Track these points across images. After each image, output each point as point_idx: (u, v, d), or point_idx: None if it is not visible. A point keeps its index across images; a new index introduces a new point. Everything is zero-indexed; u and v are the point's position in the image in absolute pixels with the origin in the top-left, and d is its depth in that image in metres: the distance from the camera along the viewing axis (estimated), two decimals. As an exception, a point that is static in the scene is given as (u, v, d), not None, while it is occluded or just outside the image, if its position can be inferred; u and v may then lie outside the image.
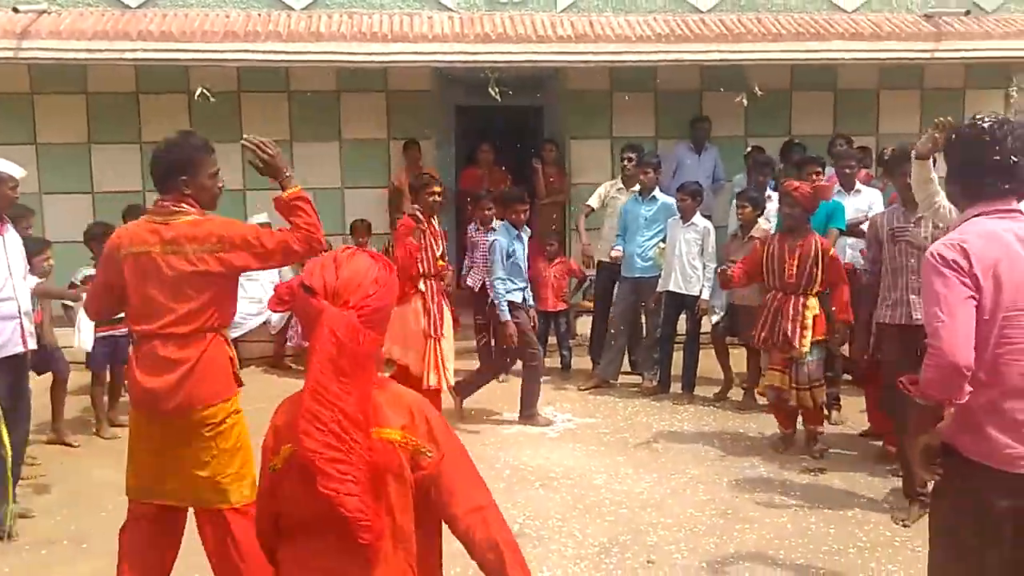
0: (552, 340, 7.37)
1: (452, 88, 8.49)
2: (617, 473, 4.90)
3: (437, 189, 5.75)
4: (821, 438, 5.19)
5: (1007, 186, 2.26)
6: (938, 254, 2.19)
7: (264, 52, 7.20)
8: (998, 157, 2.25)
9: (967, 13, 8.01)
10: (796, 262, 5.09)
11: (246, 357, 7.57)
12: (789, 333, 4.98)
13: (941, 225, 3.94)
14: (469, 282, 7.28)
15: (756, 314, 5.39)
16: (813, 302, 5.06)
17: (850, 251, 6.17)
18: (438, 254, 5.61)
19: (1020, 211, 2.27)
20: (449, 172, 8.74)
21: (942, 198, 3.65)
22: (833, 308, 5.18)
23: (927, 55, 7.82)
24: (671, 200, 6.63)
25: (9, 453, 4.02)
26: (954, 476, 2.23)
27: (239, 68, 7.66)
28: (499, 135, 8.89)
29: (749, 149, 7.98)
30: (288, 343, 7.55)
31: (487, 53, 7.38)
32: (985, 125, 2.29)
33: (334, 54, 7.28)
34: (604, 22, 7.67)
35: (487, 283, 6.30)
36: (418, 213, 5.49)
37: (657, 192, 6.77)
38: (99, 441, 5.61)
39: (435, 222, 5.66)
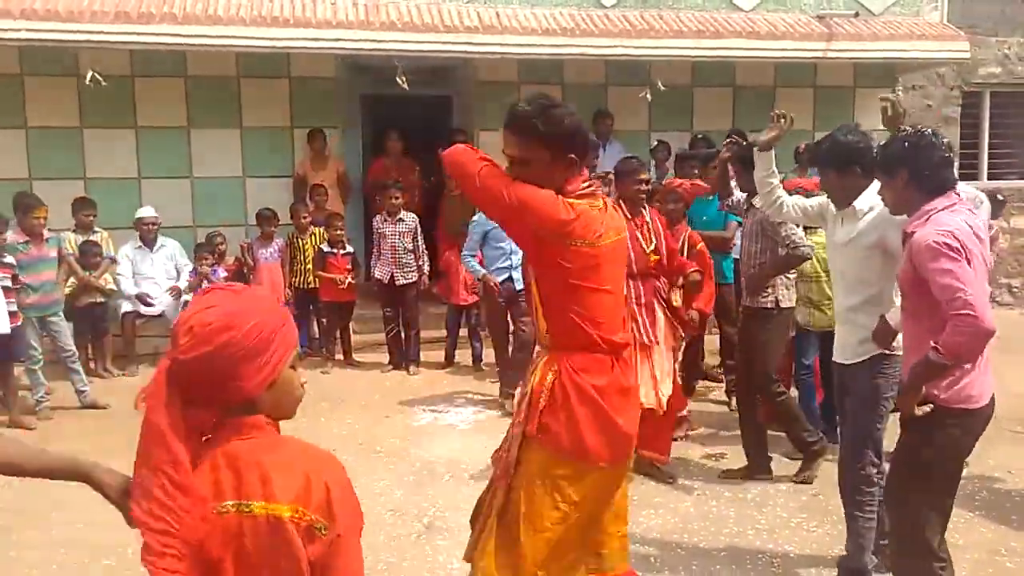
0: (463, 332, 7.37)
1: (358, 76, 8.37)
2: (526, 463, 4.93)
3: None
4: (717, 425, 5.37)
5: (951, 177, 2.74)
6: (942, 242, 2.53)
7: (158, 35, 6.91)
8: (943, 154, 2.72)
9: (856, 15, 8.40)
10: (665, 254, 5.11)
11: (147, 353, 7.32)
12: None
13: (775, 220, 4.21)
14: (377, 274, 7.20)
15: None
16: (677, 294, 5.03)
17: None
18: (649, 249, 4.71)
19: (960, 199, 2.74)
20: (356, 162, 8.62)
21: (783, 193, 3.86)
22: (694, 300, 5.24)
23: (819, 55, 8.17)
24: None
25: None
26: (935, 422, 2.64)
27: (132, 51, 7.34)
28: (409, 125, 8.81)
29: (655, 144, 8.18)
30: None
31: (393, 41, 7.30)
32: (927, 132, 2.78)
33: (233, 38, 7.06)
34: (511, 14, 7.69)
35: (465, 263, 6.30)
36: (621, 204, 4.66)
37: None
38: None
39: (645, 214, 4.80)
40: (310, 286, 7.46)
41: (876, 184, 3.07)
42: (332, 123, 8.16)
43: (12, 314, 5.71)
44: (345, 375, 7.13)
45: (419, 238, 7.24)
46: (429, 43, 7.36)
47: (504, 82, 8.39)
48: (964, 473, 4.70)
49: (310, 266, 7.45)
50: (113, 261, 7.08)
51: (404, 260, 7.13)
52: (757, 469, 4.63)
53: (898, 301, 3.11)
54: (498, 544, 2.47)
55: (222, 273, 7.34)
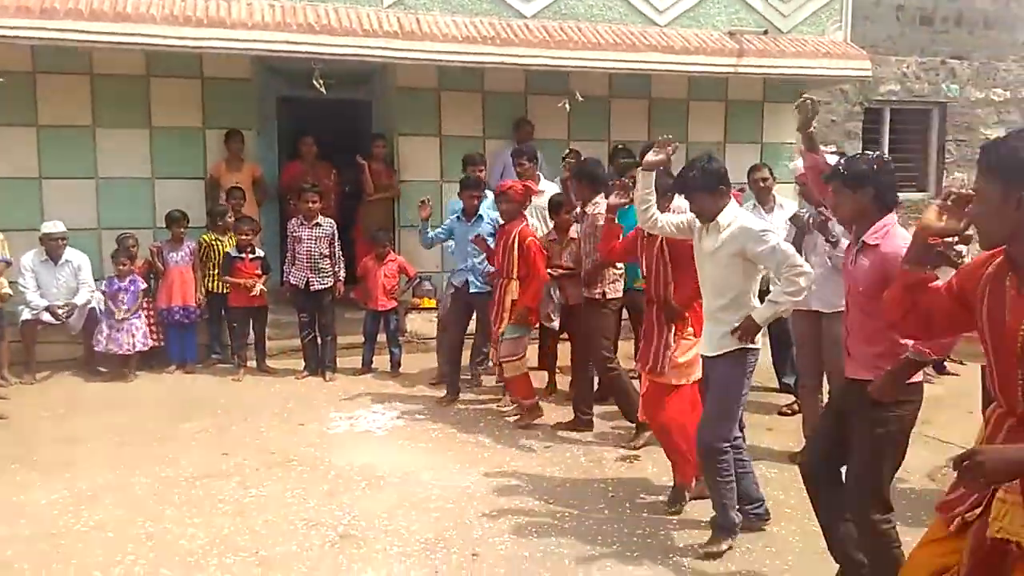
0: (382, 338, 7.30)
1: (274, 78, 8.22)
2: (444, 469, 4.92)
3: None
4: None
5: (898, 197, 3.27)
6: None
7: (62, 31, 6.63)
8: (894, 174, 3.23)
9: (765, 32, 8.70)
10: (501, 250, 5.80)
11: (50, 360, 7.02)
12: (493, 315, 5.84)
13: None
14: (292, 279, 7.08)
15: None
16: (513, 286, 5.72)
17: None
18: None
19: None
20: (272, 165, 8.46)
21: (656, 210, 4.24)
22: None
23: (730, 69, 8.43)
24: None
25: None
26: (908, 398, 3.09)
27: (34, 47, 7.02)
28: (327, 130, 8.71)
29: (567, 152, 8.27)
30: (96, 347, 7.00)
31: (310, 44, 7.19)
32: (885, 156, 3.32)
33: (142, 36, 6.83)
34: (431, 20, 7.68)
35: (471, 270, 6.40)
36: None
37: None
38: None
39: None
40: (223, 290, 7.27)
41: (733, 202, 3.81)
42: (247, 125, 7.98)
43: None
44: (257, 382, 6.97)
45: (336, 244, 7.15)
46: (347, 47, 7.28)
47: (424, 88, 8.38)
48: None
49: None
50: (8, 264, 6.74)
51: (320, 265, 7.02)
52: (581, 424, 5.66)
53: (754, 301, 3.76)
54: None
55: (141, 284, 7.10)
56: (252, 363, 7.25)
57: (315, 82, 7.32)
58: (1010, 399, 2.20)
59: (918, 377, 3.10)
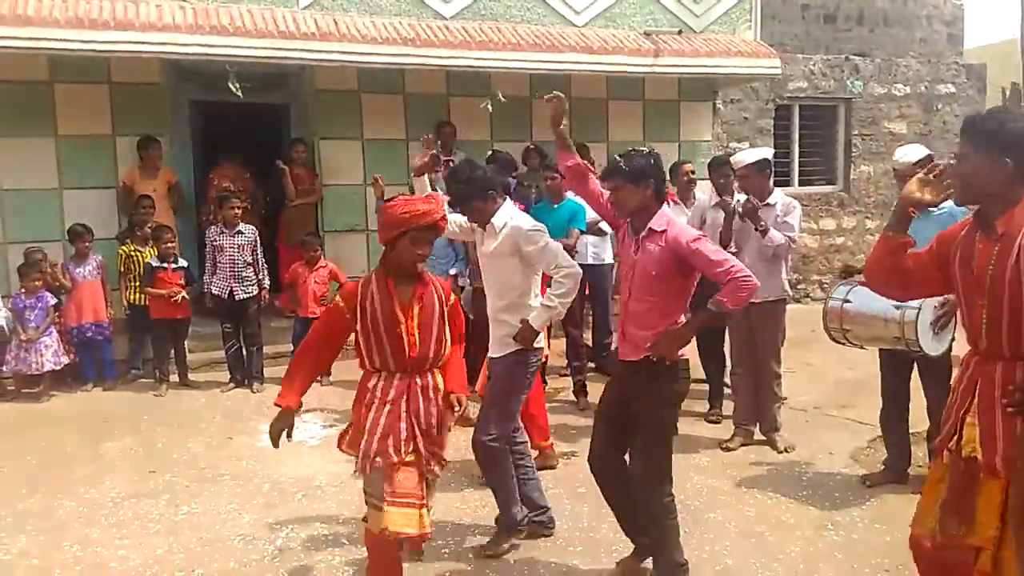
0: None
1: (186, 82, 7.96)
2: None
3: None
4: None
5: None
6: (700, 235, 3.39)
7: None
8: (663, 168, 3.57)
9: (679, 33, 8.91)
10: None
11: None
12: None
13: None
14: (214, 289, 6.88)
15: None
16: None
17: (592, 249, 6.63)
18: None
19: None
20: (187, 172, 8.20)
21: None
22: None
23: (647, 69, 8.59)
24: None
25: None
26: (674, 376, 3.40)
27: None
28: (244, 135, 8.49)
29: (490, 153, 8.29)
30: (4, 366, 6.66)
31: (224, 47, 7.00)
32: (656, 152, 3.50)
33: (45, 40, 6.52)
34: (349, 22, 7.58)
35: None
36: None
37: None
38: None
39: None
40: (146, 303, 7.00)
41: (508, 203, 3.92)
42: (159, 131, 7.71)
43: None
44: (181, 396, 6.75)
45: (259, 251, 6.98)
46: (263, 49, 7.11)
47: (344, 91, 8.26)
48: (793, 457, 5.11)
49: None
50: None
51: (243, 274, 6.85)
52: None
53: (534, 302, 3.84)
54: None
55: (50, 300, 6.77)
56: (174, 377, 7.02)
57: (230, 85, 7.13)
58: (976, 335, 2.55)
59: (686, 354, 3.37)
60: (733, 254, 5.40)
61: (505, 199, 3.95)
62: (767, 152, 5.48)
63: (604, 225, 6.84)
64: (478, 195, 3.85)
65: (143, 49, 6.83)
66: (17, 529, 4.18)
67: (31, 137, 7.36)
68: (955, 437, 2.59)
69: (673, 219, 3.40)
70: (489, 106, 8.07)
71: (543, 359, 4.14)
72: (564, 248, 6.08)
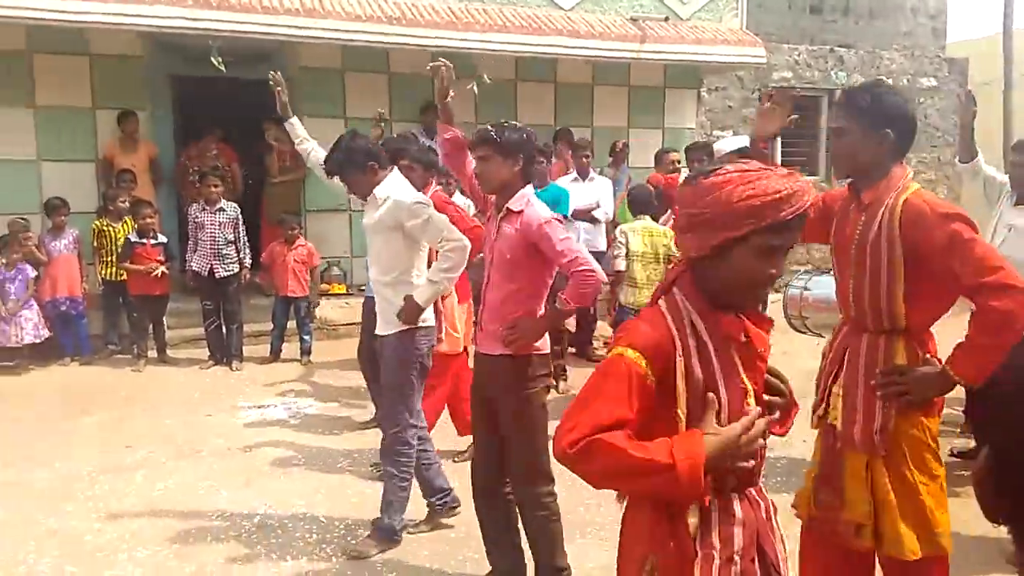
0: (292, 326, 7.14)
1: (167, 56, 7.86)
2: (361, 455, 4.88)
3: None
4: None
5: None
6: (555, 218, 3.16)
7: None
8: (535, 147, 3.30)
9: (666, 19, 8.91)
10: None
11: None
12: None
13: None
14: (195, 266, 6.84)
15: None
16: None
17: (584, 235, 6.66)
18: None
19: None
20: (167, 146, 8.11)
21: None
22: None
23: (633, 55, 8.59)
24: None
25: None
26: (534, 370, 3.18)
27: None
28: (227, 110, 8.39)
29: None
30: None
31: (207, 20, 6.92)
32: (531, 129, 3.22)
33: (19, 9, 6.43)
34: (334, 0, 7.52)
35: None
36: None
37: None
38: None
39: None
40: (121, 278, 6.95)
41: (395, 174, 3.73)
42: (139, 104, 7.64)
43: None
44: (159, 373, 6.71)
45: (240, 228, 6.94)
46: (246, 23, 7.04)
47: (327, 69, 8.21)
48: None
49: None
50: None
51: (224, 251, 6.80)
52: None
53: (418, 280, 3.60)
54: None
55: (31, 273, 6.70)
56: (152, 354, 6.98)
57: (212, 60, 7.06)
58: (846, 305, 2.58)
59: (544, 348, 3.16)
60: None
61: (391, 171, 3.72)
62: (745, 141, 5.53)
63: (598, 213, 6.87)
64: (356, 166, 3.65)
65: (122, 21, 6.74)
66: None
67: (8, 107, 7.25)
68: (824, 405, 2.62)
69: (534, 200, 3.13)
70: (475, 88, 8.04)
71: (436, 340, 3.87)
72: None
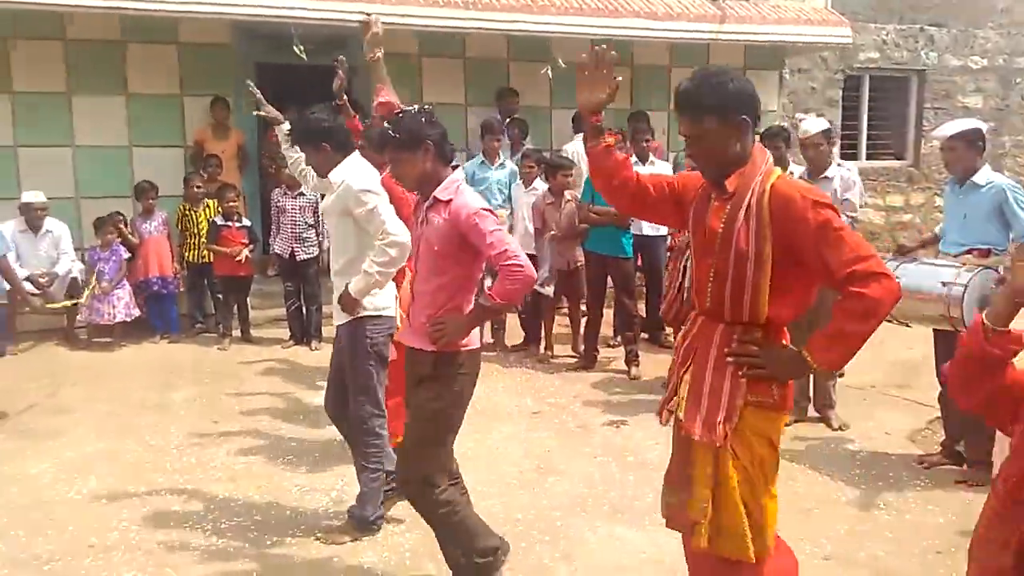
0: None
1: (253, 44, 8.07)
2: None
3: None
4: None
5: (453, 146, 3.18)
6: (485, 208, 2.95)
7: (34, -6, 6.49)
8: (442, 125, 3.04)
9: (747, -2, 8.70)
10: None
11: (31, 330, 6.95)
12: None
13: None
14: (276, 249, 7.04)
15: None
16: None
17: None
18: None
19: None
20: (252, 132, 8.35)
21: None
22: None
23: (712, 36, 8.42)
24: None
25: None
26: (454, 369, 3.00)
27: (3, 11, 6.85)
28: (306, 96, 8.55)
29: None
30: (79, 316, 6.95)
31: (288, 8, 7.09)
32: (429, 107, 3.05)
33: (118, 1, 6.69)
34: (412, -16, 7.58)
35: None
36: None
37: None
38: None
39: None
40: (204, 260, 7.22)
41: (354, 156, 3.60)
42: (225, 91, 7.86)
43: None
44: (243, 351, 6.95)
45: (320, 213, 7.10)
46: (325, 11, 7.19)
47: (403, 54, 8.27)
48: (847, 435, 5.04)
49: (204, 239, 7.21)
50: None
51: (304, 235, 6.99)
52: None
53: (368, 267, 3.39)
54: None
55: (124, 255, 7.04)
56: (236, 332, 7.23)
57: (294, 48, 7.21)
58: (702, 295, 2.46)
59: (473, 343, 3.00)
60: None
61: (348, 154, 3.61)
62: (824, 123, 5.37)
63: None
64: (309, 142, 3.62)
65: (210, 11, 6.95)
66: (87, 472, 4.40)
67: (104, 95, 7.58)
68: (674, 397, 2.51)
69: (464, 188, 2.98)
70: (549, 72, 8.02)
71: (395, 328, 3.69)
72: (618, 218, 6.13)
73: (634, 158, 6.80)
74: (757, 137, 2.64)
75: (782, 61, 9.69)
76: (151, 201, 7.24)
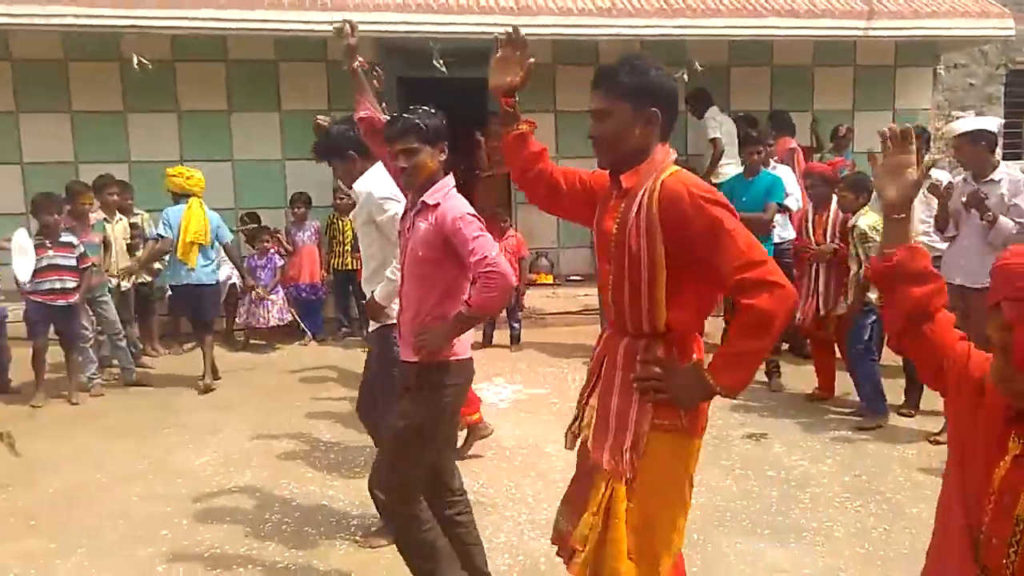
0: (501, 314, 7.42)
1: (394, 60, 8.39)
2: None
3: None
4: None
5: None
6: (472, 213, 2.84)
7: (199, 19, 7.01)
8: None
9: (897, -8, 8.27)
10: None
11: (188, 332, 7.46)
12: None
13: None
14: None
15: None
16: None
17: (776, 227, 6.37)
18: None
19: None
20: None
21: None
22: None
23: (859, 33, 8.06)
24: None
25: None
26: (444, 376, 2.88)
27: (173, 36, 7.44)
28: (445, 108, 8.81)
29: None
30: (238, 319, 7.44)
31: (429, 24, 7.33)
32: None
33: (269, 21, 7.16)
34: (547, -5, 7.68)
35: None
36: None
37: None
38: (40, 413, 5.66)
39: None
40: (348, 268, 7.56)
41: (377, 166, 3.51)
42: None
43: (69, 291, 5.86)
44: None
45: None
46: (464, 25, 7.38)
47: (539, 64, 8.35)
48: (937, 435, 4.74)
49: (348, 248, 7.54)
50: (156, 239, 7.12)
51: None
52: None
53: (393, 275, 3.39)
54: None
55: (278, 262, 7.50)
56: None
57: (435, 62, 7.45)
58: (606, 305, 2.28)
59: (463, 353, 2.88)
60: (951, 237, 5.00)
61: (374, 163, 3.55)
62: (990, 123, 5.00)
63: (790, 201, 6.54)
64: (337, 154, 3.74)
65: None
66: (244, 465, 4.69)
67: (259, 112, 8.08)
68: (579, 421, 2.35)
69: (452, 192, 2.86)
70: (685, 76, 7.91)
71: None
72: (760, 224, 5.94)
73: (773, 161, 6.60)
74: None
75: (936, 57, 9.15)
76: (303, 211, 7.66)
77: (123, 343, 6.38)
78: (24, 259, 5.70)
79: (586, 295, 7.84)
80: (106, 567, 3.57)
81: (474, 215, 2.82)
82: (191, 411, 5.71)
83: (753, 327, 2.07)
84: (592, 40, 7.91)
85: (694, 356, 2.23)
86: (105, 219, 6.62)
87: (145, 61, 7.21)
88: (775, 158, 6.87)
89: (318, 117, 4.46)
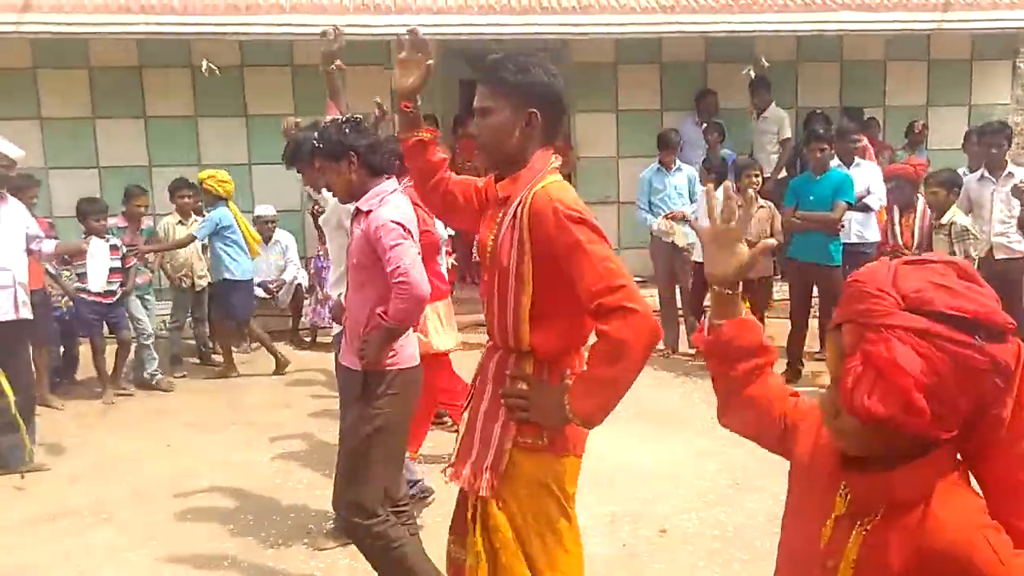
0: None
1: (455, 62, 8.45)
2: (623, 445, 4.92)
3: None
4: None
5: (390, 162, 3.13)
6: (397, 221, 2.81)
7: (267, 25, 7.17)
8: (374, 135, 3.05)
9: (975, -18, 7.96)
10: None
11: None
12: None
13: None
14: (476, 256, 7.31)
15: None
16: None
17: (856, 226, 6.18)
18: None
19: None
20: (453, 146, 8.73)
21: None
22: None
23: (934, 25, 7.78)
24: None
25: (12, 399, 4.29)
26: (398, 385, 2.91)
27: (241, 42, 7.61)
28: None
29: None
30: (303, 319, 7.59)
31: (492, 25, 7.34)
32: (357, 117, 3.04)
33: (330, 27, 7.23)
34: (609, -7, 7.62)
35: None
36: None
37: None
38: (111, 409, 5.87)
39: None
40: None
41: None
42: (432, 110, 8.26)
43: (113, 293, 6.06)
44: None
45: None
46: (527, 25, 7.38)
47: (600, 63, 8.33)
48: None
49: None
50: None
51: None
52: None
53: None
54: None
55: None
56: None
57: (496, 63, 7.46)
58: (487, 317, 2.18)
59: (408, 363, 2.88)
60: None
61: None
62: None
63: (871, 200, 6.35)
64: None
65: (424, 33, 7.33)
66: (305, 463, 4.79)
67: (322, 115, 8.18)
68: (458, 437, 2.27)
69: (390, 199, 2.87)
70: (751, 72, 7.76)
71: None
72: (828, 223, 5.78)
73: (836, 159, 6.41)
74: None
75: (1016, 50, 8.77)
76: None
77: (149, 341, 6.39)
78: (98, 266, 5.85)
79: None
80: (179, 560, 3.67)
81: (397, 222, 2.80)
82: (256, 409, 5.83)
83: (607, 355, 1.98)
84: (655, 38, 7.82)
85: (567, 377, 2.12)
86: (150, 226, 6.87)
87: (213, 67, 7.39)
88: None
89: (287, 119, 4.47)
